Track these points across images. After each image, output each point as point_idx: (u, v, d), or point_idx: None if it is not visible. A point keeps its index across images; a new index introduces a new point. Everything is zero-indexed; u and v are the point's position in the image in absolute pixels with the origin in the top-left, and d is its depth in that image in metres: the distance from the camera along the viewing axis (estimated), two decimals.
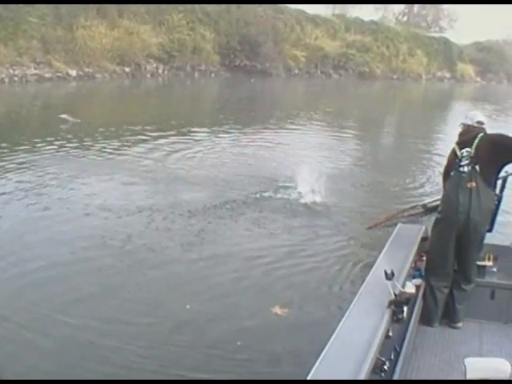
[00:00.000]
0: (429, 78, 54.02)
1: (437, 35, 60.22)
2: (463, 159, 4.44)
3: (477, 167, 4.36)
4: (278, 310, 5.54)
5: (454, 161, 4.55)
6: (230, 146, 14.29)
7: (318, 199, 9.16)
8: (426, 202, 6.35)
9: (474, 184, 4.33)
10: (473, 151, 4.40)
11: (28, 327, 5.02)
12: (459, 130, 4.71)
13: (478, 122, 4.64)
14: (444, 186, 4.70)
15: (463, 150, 4.46)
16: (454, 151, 4.59)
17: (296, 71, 41.49)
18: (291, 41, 41.42)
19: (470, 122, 4.65)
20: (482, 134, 4.47)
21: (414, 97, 41.76)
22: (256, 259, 6.91)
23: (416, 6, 63.49)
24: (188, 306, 5.56)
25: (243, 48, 37.20)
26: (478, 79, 61.82)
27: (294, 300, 5.84)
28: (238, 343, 4.96)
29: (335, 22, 46.85)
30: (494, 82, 62.66)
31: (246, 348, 4.90)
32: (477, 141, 4.41)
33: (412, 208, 7.52)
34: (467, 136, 4.53)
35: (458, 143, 4.59)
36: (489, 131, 4.64)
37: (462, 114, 5.26)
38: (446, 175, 4.67)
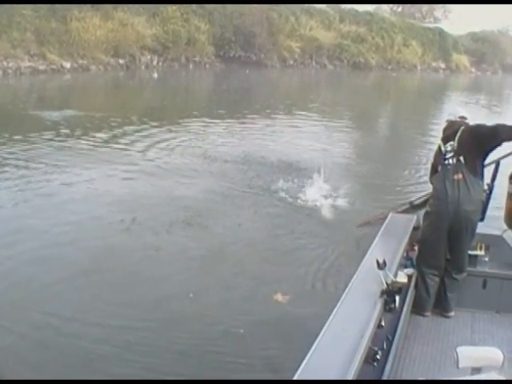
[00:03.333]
0: (424, 68, 53.99)
1: (432, 26, 60.12)
2: (447, 153, 4.57)
3: (461, 159, 4.49)
4: (279, 296, 5.65)
5: (438, 156, 4.69)
6: (225, 137, 14.43)
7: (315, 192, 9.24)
8: (413, 199, 6.41)
9: (460, 175, 4.44)
10: (456, 144, 4.53)
11: None
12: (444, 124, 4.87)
13: (461, 117, 4.78)
14: (431, 181, 4.79)
15: (447, 144, 4.61)
16: (439, 147, 4.73)
17: (291, 62, 41.44)
18: (286, 32, 41.29)
19: (453, 118, 4.81)
20: (463, 127, 4.61)
21: (409, 87, 41.77)
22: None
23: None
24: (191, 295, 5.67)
25: (238, 39, 37.13)
26: (473, 70, 61.79)
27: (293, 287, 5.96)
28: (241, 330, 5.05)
29: (330, 13, 46.72)
30: (488, 72, 62.65)
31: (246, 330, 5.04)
32: (459, 133, 4.55)
33: (400, 206, 7.56)
34: (450, 130, 4.67)
35: (442, 139, 4.73)
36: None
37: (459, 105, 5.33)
38: (434, 171, 4.78)
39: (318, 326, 2.95)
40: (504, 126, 4.36)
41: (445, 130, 4.78)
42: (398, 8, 62.72)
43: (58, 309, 5.24)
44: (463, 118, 4.79)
